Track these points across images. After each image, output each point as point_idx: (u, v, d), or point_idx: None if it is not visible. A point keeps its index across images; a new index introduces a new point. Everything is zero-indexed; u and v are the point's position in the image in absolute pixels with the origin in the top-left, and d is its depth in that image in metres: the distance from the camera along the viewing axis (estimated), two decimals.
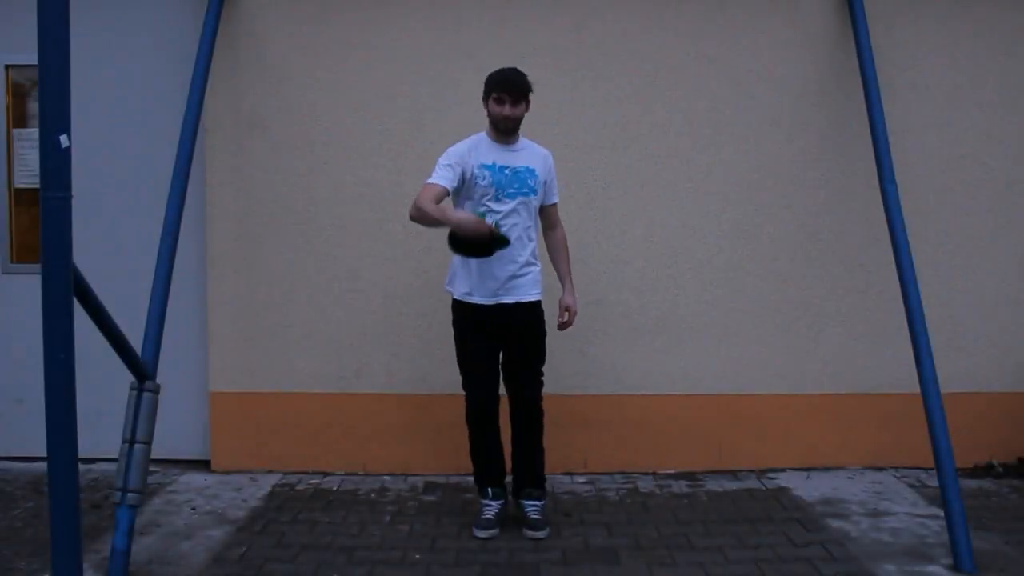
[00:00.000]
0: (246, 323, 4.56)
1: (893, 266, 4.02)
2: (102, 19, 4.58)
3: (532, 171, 3.75)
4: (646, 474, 4.58)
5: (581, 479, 4.52)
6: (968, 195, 4.61)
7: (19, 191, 4.70)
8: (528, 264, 3.76)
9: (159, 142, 4.49)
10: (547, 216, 3.90)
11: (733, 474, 4.56)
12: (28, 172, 4.68)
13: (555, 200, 3.91)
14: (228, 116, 4.51)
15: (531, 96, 3.75)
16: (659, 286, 4.58)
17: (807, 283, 4.60)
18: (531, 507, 3.82)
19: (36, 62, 2.50)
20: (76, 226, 2.60)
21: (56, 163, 2.51)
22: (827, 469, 4.62)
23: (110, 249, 4.56)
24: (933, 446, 3.60)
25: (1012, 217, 4.63)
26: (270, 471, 4.59)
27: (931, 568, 3.40)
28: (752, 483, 4.44)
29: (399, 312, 4.55)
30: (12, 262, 4.72)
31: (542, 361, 3.88)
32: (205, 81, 4.22)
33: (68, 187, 2.55)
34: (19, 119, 4.70)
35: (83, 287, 2.79)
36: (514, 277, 3.71)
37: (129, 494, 3.25)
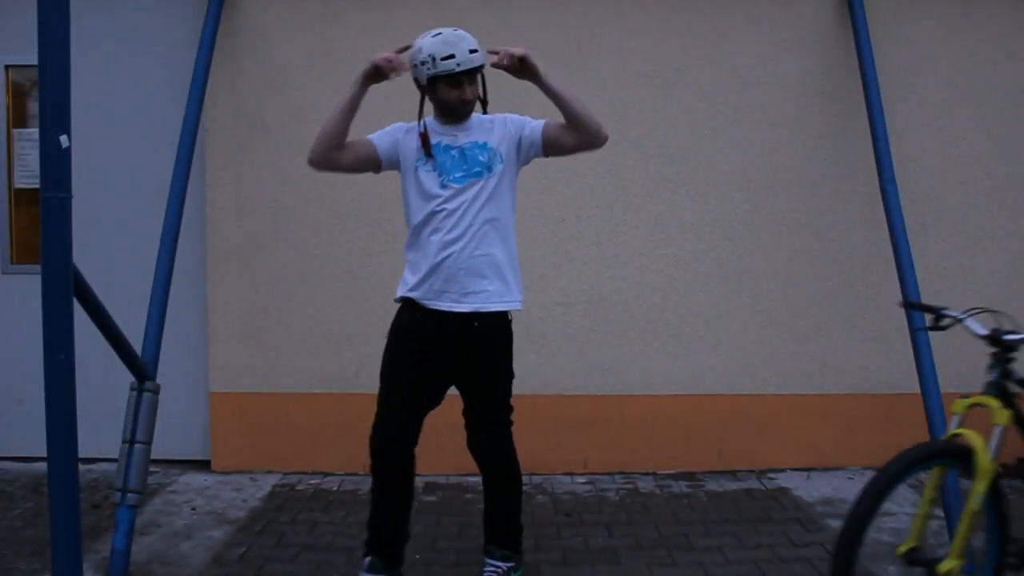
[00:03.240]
0: (246, 323, 4.56)
1: (893, 266, 4.02)
2: (102, 19, 4.58)
3: (483, 145, 3.01)
4: (646, 474, 4.58)
5: (581, 479, 4.52)
6: (968, 195, 4.61)
7: (19, 191, 4.70)
8: (496, 266, 2.99)
9: (159, 142, 4.49)
10: (554, 130, 3.06)
11: (733, 474, 4.56)
12: (28, 172, 4.68)
13: (542, 121, 3.08)
14: (228, 116, 4.51)
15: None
16: (659, 286, 4.57)
17: (807, 283, 4.60)
18: (489, 568, 3.13)
19: (36, 62, 2.50)
20: (76, 226, 2.60)
21: (56, 163, 2.51)
22: (827, 469, 4.62)
23: (110, 249, 4.56)
24: None
25: (1012, 217, 4.63)
26: (270, 471, 4.59)
27: None
28: (752, 483, 4.44)
29: None
30: (12, 262, 4.72)
31: (506, 404, 3.07)
32: (205, 81, 4.22)
33: (68, 187, 2.55)
34: (19, 119, 4.70)
35: (83, 287, 2.79)
36: (474, 277, 2.95)
37: (129, 494, 3.25)
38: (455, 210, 2.94)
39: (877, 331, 4.60)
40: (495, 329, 3.01)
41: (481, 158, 3.00)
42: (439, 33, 2.92)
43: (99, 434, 4.43)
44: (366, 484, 4.41)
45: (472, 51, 2.90)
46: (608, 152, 4.53)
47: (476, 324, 2.95)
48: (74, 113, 2.56)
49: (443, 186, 2.97)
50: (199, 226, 4.56)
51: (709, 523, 3.90)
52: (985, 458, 2.61)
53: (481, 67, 2.97)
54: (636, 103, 4.53)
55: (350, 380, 4.57)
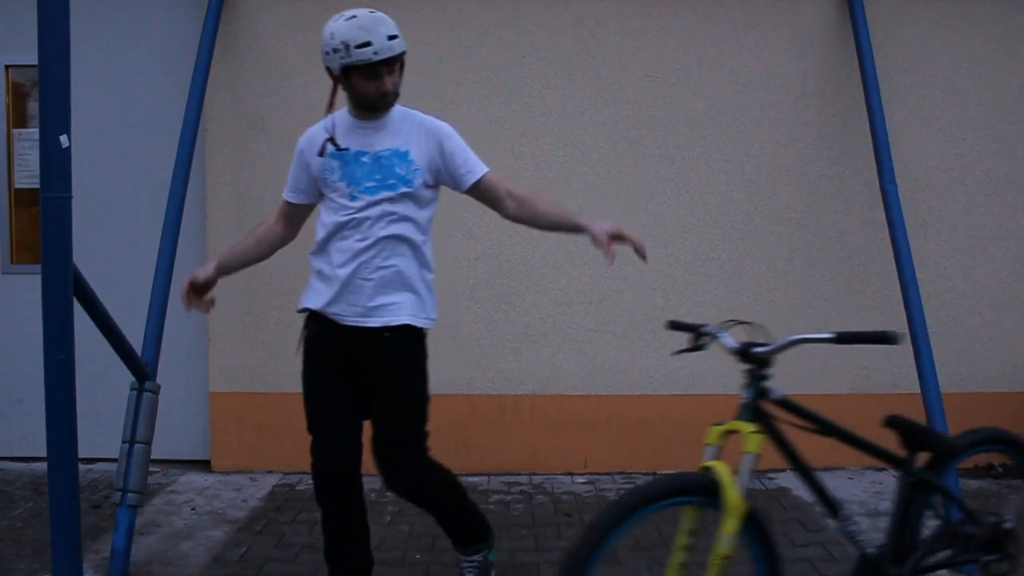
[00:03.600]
0: (246, 324, 4.56)
1: (893, 266, 4.03)
2: (102, 19, 4.58)
3: (403, 155, 2.70)
4: (646, 474, 4.58)
5: (581, 479, 4.52)
6: (968, 195, 4.61)
7: (19, 191, 4.70)
8: (406, 280, 2.75)
9: (159, 142, 4.49)
10: (483, 196, 2.82)
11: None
12: (28, 172, 4.68)
13: (478, 173, 2.78)
14: (228, 116, 4.51)
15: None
16: (659, 286, 4.57)
17: (807, 283, 4.60)
18: (465, 565, 3.02)
19: (36, 62, 2.50)
20: (76, 226, 2.61)
21: (56, 163, 2.51)
22: (827, 469, 4.62)
23: (110, 249, 4.56)
24: None
25: (1012, 217, 4.63)
26: (270, 471, 4.59)
27: None
28: (752, 483, 4.43)
29: None
30: (12, 262, 4.72)
31: (417, 429, 2.80)
32: (205, 81, 4.22)
33: (68, 187, 2.55)
34: (19, 119, 4.70)
35: (83, 287, 2.79)
36: (379, 293, 2.71)
37: (129, 494, 3.25)
38: (364, 221, 2.68)
39: None
40: (404, 345, 2.74)
41: (399, 170, 2.69)
42: (353, 16, 2.58)
43: (99, 434, 4.43)
44: (367, 484, 4.41)
45: (391, 37, 2.58)
46: (608, 152, 4.55)
47: (386, 336, 2.70)
48: (74, 113, 2.57)
49: (352, 197, 2.69)
50: (199, 226, 4.56)
51: (709, 523, 3.89)
52: (734, 494, 2.26)
53: (402, 56, 2.64)
54: (636, 103, 4.53)
55: None
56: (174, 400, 4.41)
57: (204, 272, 2.88)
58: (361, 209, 2.68)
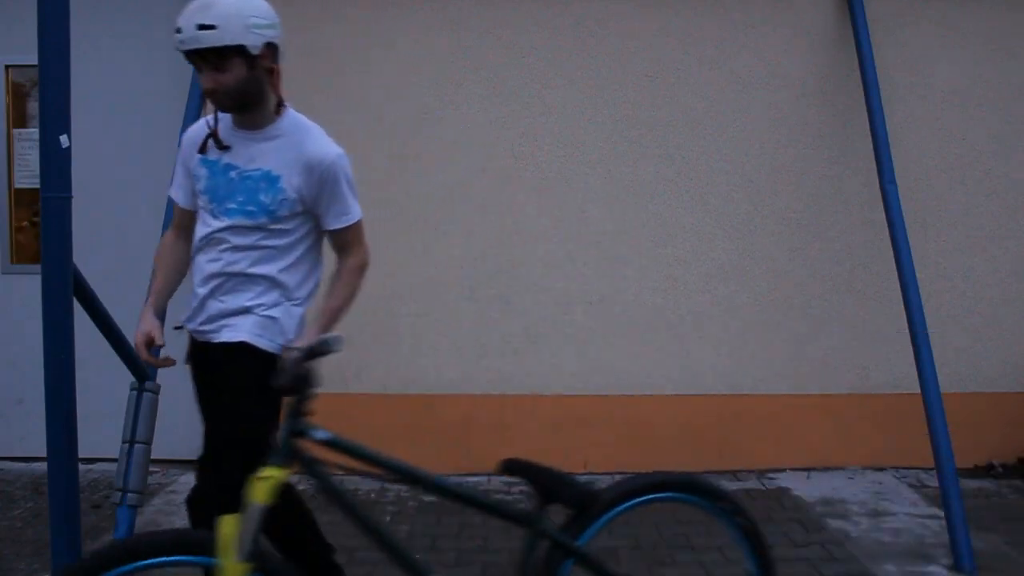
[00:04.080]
0: None
1: (893, 266, 4.03)
2: (102, 19, 4.58)
3: (273, 179, 2.35)
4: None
5: (581, 479, 4.51)
6: (968, 195, 4.61)
7: (19, 191, 4.70)
8: (253, 306, 2.42)
9: (159, 142, 4.49)
10: (334, 243, 2.53)
11: (733, 474, 4.56)
12: (28, 172, 4.68)
13: (341, 223, 2.45)
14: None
15: (267, 31, 2.39)
16: (659, 286, 4.57)
17: (807, 283, 4.60)
18: None
19: (36, 62, 2.50)
20: (76, 226, 2.61)
21: (56, 163, 2.52)
22: (827, 469, 4.62)
23: (110, 249, 4.56)
24: (933, 446, 3.59)
25: (1012, 217, 4.63)
26: None
27: (931, 568, 3.41)
28: (752, 483, 4.44)
29: (399, 312, 4.55)
30: (12, 262, 4.72)
31: (232, 445, 2.34)
32: None
33: (68, 187, 2.55)
34: (19, 119, 4.70)
35: (83, 287, 2.79)
36: (228, 315, 2.43)
37: (129, 494, 3.25)
38: (221, 243, 2.39)
39: (877, 331, 4.60)
40: (238, 363, 2.40)
41: (263, 197, 2.34)
42: None
43: (99, 434, 4.43)
44: (366, 484, 4.42)
45: (203, 27, 2.18)
46: (608, 152, 4.55)
47: (224, 353, 2.41)
48: (74, 113, 2.57)
49: (213, 215, 2.40)
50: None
51: (709, 523, 3.90)
52: (229, 560, 1.88)
53: (225, 49, 2.24)
54: (636, 103, 4.53)
55: (350, 380, 4.57)
56: (174, 400, 4.40)
57: (151, 326, 2.55)
58: (220, 231, 2.39)
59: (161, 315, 2.63)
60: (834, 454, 4.66)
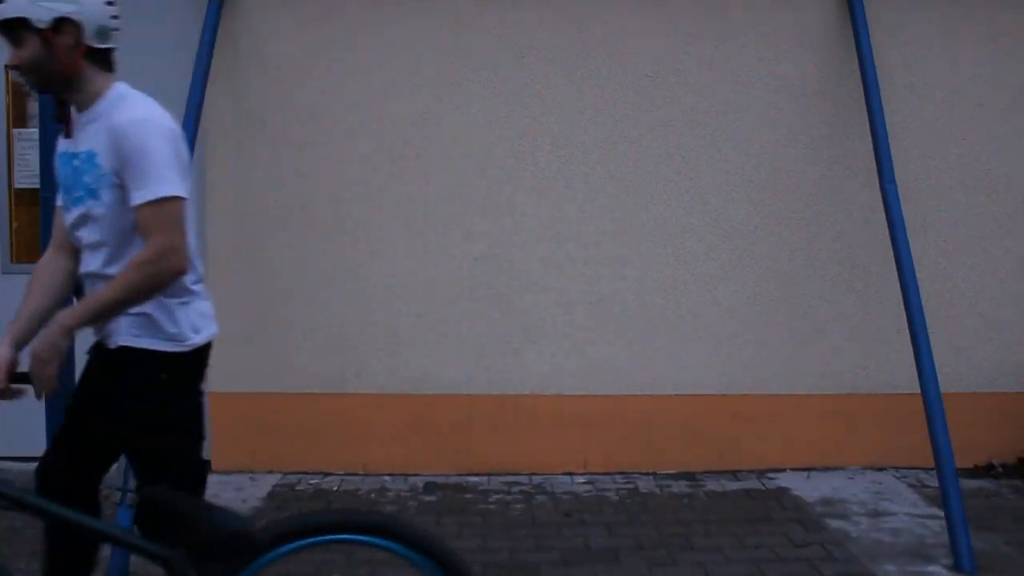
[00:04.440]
0: (246, 323, 4.55)
1: (893, 266, 4.02)
2: None
3: (92, 156, 2.16)
4: (646, 474, 4.58)
5: (581, 479, 4.52)
6: (968, 195, 4.61)
7: (19, 191, 4.70)
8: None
9: None
10: (137, 227, 2.14)
11: (733, 474, 4.56)
12: (28, 172, 4.68)
13: (142, 198, 2.10)
14: (228, 116, 4.51)
15: (58, 4, 2.22)
16: (659, 286, 4.57)
17: (807, 283, 4.60)
18: None
19: None
20: None
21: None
22: (827, 469, 4.62)
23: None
24: (933, 446, 3.60)
25: (1012, 217, 4.63)
26: (270, 471, 4.58)
27: (931, 568, 3.41)
28: (752, 483, 4.44)
29: (399, 312, 4.55)
30: (12, 262, 4.72)
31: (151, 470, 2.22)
32: (205, 81, 4.22)
33: None
34: (19, 119, 4.70)
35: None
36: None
37: (129, 494, 3.25)
38: (79, 240, 2.25)
39: (877, 331, 4.60)
40: (132, 367, 2.23)
41: (87, 178, 2.15)
42: None
43: None
44: (366, 484, 4.43)
45: None
46: (608, 152, 4.55)
47: (110, 359, 2.27)
48: None
49: (67, 208, 2.24)
50: (199, 226, 4.54)
51: (709, 523, 3.90)
52: None
53: (13, 22, 2.13)
54: (636, 103, 4.53)
55: (350, 380, 4.57)
56: None
57: (4, 353, 2.35)
58: (71, 228, 2.22)
59: (20, 345, 2.42)
60: (834, 454, 4.66)
